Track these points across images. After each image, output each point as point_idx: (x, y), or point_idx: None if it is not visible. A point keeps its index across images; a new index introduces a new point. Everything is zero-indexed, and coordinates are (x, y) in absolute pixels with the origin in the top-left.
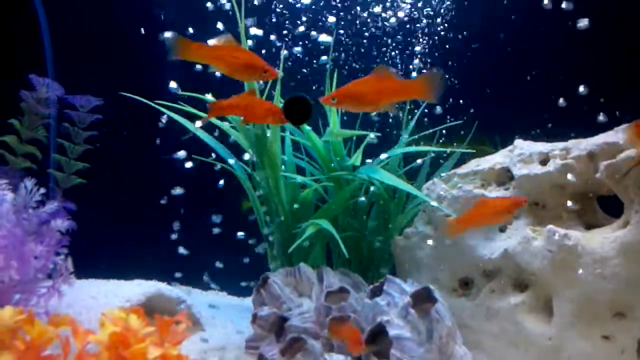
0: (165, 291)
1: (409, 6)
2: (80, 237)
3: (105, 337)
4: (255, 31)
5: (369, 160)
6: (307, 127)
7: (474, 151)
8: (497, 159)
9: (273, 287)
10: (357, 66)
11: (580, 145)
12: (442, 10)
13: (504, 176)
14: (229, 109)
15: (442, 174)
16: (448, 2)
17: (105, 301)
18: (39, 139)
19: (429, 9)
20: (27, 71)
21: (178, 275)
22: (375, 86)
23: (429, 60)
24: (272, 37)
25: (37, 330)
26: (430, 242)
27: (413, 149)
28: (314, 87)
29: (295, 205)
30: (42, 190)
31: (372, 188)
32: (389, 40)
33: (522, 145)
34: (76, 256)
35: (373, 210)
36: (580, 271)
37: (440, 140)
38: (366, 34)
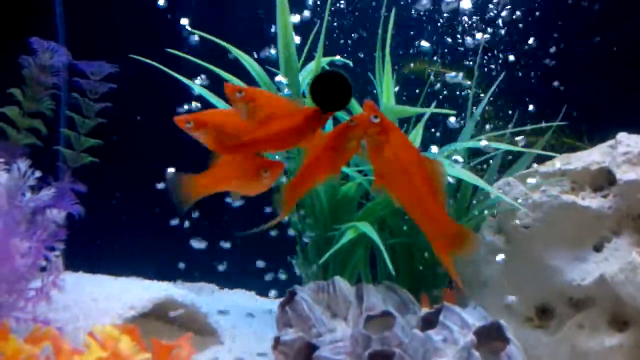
0: (177, 297)
1: None
2: (92, 225)
3: None
4: None
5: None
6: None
7: (555, 155)
8: (593, 157)
9: (301, 305)
10: None
11: None
12: None
13: (603, 179)
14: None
15: (518, 172)
16: None
17: (105, 305)
18: (44, 112)
19: None
20: (36, 34)
21: (200, 272)
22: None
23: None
24: None
25: (11, 348)
26: (500, 257)
27: (479, 144)
28: None
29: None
30: (37, 174)
31: None
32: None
33: (628, 142)
34: (87, 247)
35: None
36: None
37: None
38: None
